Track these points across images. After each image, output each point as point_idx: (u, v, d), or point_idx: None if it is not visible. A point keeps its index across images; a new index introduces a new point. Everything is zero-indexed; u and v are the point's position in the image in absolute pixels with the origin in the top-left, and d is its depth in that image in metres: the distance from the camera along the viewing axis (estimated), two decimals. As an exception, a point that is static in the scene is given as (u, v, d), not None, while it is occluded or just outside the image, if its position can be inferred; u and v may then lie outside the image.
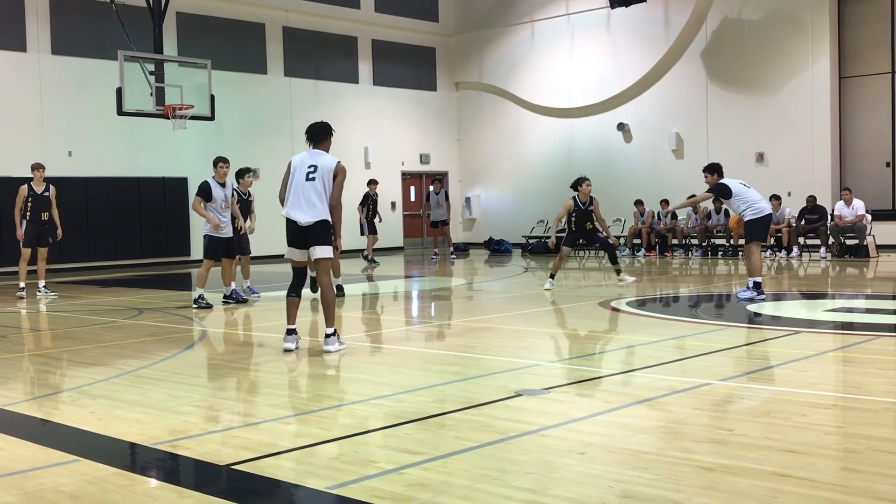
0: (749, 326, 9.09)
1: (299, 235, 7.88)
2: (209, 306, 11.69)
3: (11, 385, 6.66)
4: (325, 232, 7.90)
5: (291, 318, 8.01)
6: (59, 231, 14.16)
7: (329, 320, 7.90)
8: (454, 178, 27.25)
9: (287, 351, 7.85)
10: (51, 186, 14.12)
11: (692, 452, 4.38)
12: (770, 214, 11.72)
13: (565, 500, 3.71)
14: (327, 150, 8.19)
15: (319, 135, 8.24)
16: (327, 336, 7.85)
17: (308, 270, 8.71)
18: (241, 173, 13.32)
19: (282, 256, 13.08)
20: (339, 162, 8.06)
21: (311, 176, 7.88)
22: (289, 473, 4.23)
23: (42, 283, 14.16)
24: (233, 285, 12.21)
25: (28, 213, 13.75)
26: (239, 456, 4.51)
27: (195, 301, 11.78)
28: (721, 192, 11.65)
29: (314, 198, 7.84)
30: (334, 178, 7.95)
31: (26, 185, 13.85)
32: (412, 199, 26.40)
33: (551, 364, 7.04)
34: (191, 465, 4.46)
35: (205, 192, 11.79)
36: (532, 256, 22.09)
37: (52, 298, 13.68)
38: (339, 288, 12.38)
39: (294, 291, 8.08)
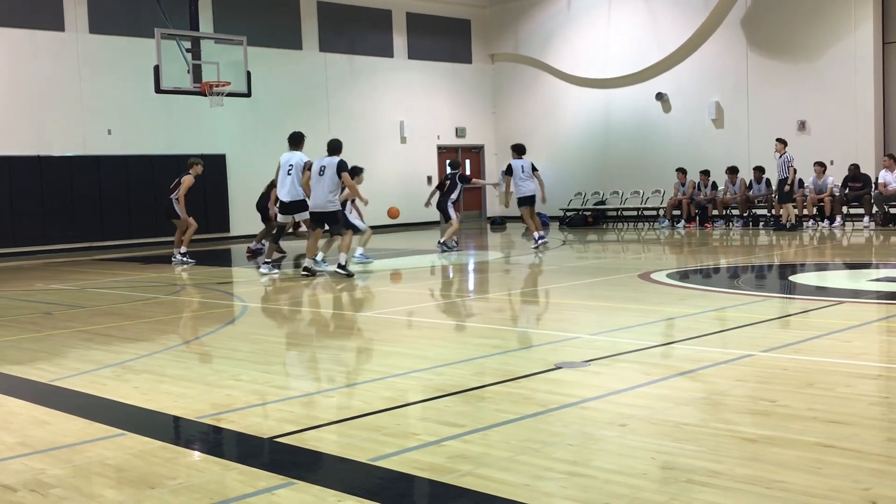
0: (791, 297, 8.98)
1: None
2: (351, 274, 12.09)
3: (57, 361, 6.78)
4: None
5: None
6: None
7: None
8: (490, 151, 27.14)
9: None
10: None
11: (734, 424, 4.35)
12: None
13: (607, 471, 3.70)
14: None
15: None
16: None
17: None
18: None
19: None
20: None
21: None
22: (331, 446, 4.26)
23: (184, 249, 15.48)
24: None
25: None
26: (282, 429, 4.56)
27: (343, 267, 12.07)
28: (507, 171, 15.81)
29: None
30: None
31: (191, 176, 15.20)
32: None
33: (591, 336, 7.02)
34: (234, 438, 4.52)
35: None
36: (570, 229, 22.00)
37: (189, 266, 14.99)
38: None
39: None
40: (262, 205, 16.52)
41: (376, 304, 10.01)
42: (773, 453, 3.85)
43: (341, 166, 11.97)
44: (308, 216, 12.60)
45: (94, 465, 4.08)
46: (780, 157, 17.94)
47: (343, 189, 12.27)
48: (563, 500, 3.40)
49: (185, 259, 15.22)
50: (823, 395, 4.82)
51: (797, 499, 3.31)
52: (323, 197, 12.04)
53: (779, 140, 18.21)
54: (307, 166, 12.33)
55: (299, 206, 12.52)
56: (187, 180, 15.12)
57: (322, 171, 12.01)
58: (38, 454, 4.30)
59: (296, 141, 12.73)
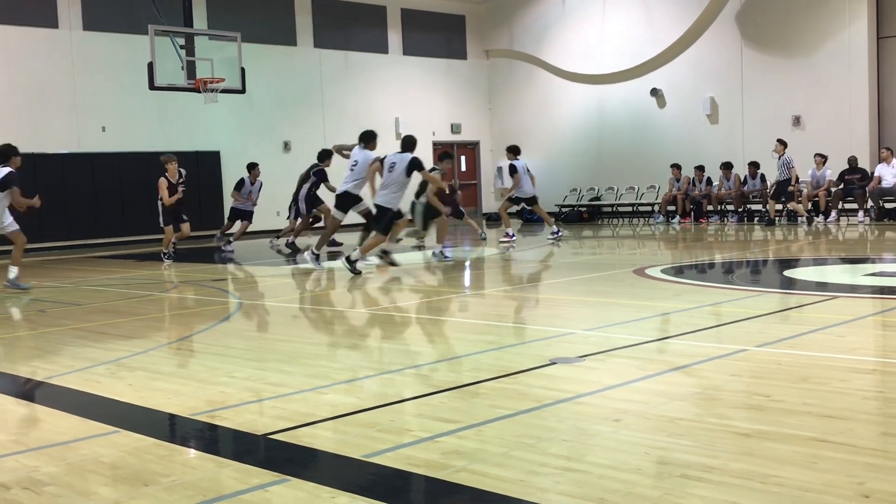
0: (786, 292, 8.99)
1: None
2: (358, 272, 11.91)
3: (51, 358, 6.76)
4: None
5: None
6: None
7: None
8: (485, 147, 27.13)
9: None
10: (182, 171, 15.03)
11: (729, 419, 4.35)
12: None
13: (601, 466, 3.70)
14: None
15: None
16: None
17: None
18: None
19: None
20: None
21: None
22: (325, 442, 4.26)
23: (165, 250, 15.15)
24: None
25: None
26: (276, 426, 4.55)
27: (350, 262, 11.88)
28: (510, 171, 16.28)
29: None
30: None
31: (164, 178, 14.69)
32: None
33: (586, 332, 7.01)
34: (229, 435, 4.51)
35: None
36: (565, 225, 22.00)
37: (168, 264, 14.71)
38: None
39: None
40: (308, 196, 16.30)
41: (371, 300, 10.00)
42: (767, 448, 3.85)
43: (414, 165, 11.88)
44: (341, 214, 12.79)
45: (88, 463, 4.07)
46: (780, 157, 17.91)
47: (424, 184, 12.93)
48: (557, 496, 3.40)
49: (163, 257, 14.99)
50: (818, 390, 4.82)
51: (791, 493, 3.31)
52: (389, 193, 11.97)
53: (779, 141, 18.17)
54: (375, 161, 12.26)
55: (343, 198, 12.56)
56: (161, 183, 14.68)
57: (392, 167, 11.96)
58: (32, 452, 4.28)
59: (365, 140, 12.62)
